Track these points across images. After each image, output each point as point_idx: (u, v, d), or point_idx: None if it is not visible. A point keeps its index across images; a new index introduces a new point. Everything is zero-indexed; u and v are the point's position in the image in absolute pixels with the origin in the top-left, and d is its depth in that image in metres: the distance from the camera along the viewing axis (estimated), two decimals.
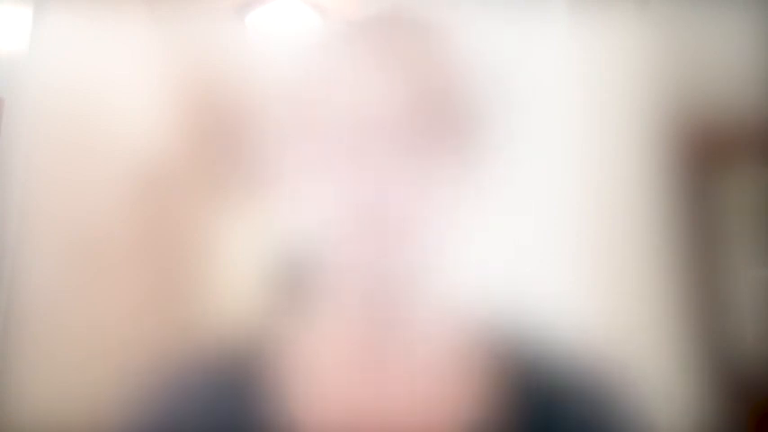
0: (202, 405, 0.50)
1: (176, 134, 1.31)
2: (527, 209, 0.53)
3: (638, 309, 1.07)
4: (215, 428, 0.49)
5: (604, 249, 1.09)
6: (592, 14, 1.17)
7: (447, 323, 0.51)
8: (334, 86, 0.49)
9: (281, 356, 0.52)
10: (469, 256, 0.49)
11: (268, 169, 0.52)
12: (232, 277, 1.20)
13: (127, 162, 1.33)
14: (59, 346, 1.21)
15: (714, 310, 1.15)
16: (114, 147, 1.33)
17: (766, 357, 1.13)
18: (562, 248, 1.02)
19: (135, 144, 1.33)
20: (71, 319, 1.22)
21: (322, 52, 0.51)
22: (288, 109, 0.52)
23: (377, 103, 0.47)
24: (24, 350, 1.18)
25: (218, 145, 1.26)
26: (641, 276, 1.11)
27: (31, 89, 1.28)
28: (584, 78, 1.14)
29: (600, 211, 1.11)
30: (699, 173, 1.18)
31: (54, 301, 1.22)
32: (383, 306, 0.48)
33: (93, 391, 0.99)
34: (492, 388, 0.50)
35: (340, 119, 0.48)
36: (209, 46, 1.40)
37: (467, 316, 0.52)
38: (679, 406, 1.02)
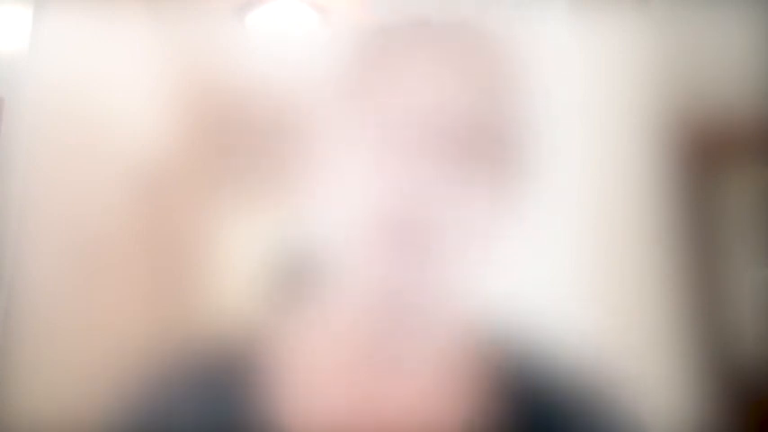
0: (201, 404, 0.50)
1: (176, 134, 1.31)
2: (525, 211, 0.53)
3: (638, 309, 1.07)
4: (213, 427, 0.49)
5: (604, 251, 1.09)
6: (592, 14, 1.17)
7: (446, 328, 0.51)
8: (355, 87, 0.48)
9: (280, 356, 0.52)
10: (468, 263, 0.49)
11: (268, 169, 0.52)
12: (231, 277, 1.20)
13: (126, 162, 1.33)
14: (59, 346, 1.21)
15: (714, 311, 1.15)
16: (114, 146, 1.33)
17: (766, 357, 1.13)
18: (562, 251, 1.02)
19: (135, 144, 1.33)
20: (71, 318, 1.22)
21: (344, 54, 0.51)
22: (290, 110, 0.51)
23: (399, 107, 0.47)
24: (24, 350, 1.18)
25: (218, 144, 1.26)
26: (641, 277, 1.11)
27: (31, 89, 1.28)
28: (584, 78, 1.14)
29: (599, 212, 1.11)
30: (699, 173, 1.18)
31: (54, 300, 1.22)
32: (384, 310, 0.48)
33: (93, 390, 0.99)
34: (490, 392, 0.50)
35: (356, 121, 0.48)
36: (209, 46, 1.40)
37: (466, 321, 0.52)
38: (679, 406, 1.02)
